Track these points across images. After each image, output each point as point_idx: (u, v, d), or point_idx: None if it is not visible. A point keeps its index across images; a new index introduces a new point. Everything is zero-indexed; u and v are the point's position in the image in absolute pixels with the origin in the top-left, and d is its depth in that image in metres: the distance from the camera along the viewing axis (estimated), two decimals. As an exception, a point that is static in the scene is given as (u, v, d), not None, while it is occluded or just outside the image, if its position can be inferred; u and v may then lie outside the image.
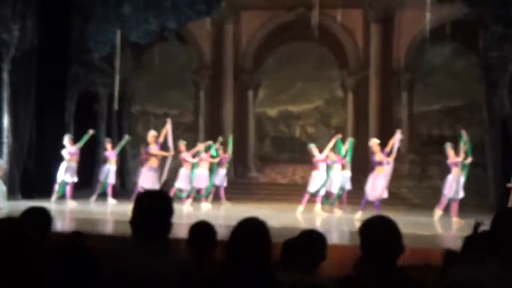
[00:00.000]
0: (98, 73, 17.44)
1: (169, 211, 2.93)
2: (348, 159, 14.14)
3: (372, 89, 18.45)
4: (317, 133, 19.23)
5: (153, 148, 13.84)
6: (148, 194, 3.10)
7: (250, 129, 19.38)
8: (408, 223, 11.32)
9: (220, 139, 15.72)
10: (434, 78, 18.04)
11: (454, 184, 12.50)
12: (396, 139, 12.88)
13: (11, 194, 13.98)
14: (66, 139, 14.79)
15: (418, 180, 17.73)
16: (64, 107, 16.72)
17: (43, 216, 4.04)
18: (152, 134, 14.11)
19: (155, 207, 2.90)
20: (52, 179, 14.79)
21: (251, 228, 2.98)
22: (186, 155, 14.57)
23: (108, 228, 10.97)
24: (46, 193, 14.76)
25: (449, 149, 12.85)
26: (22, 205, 12.23)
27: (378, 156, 12.72)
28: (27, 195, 14.75)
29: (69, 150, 14.63)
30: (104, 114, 17.70)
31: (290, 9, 18.73)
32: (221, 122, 19.05)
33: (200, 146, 15.17)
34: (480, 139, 16.23)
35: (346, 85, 18.91)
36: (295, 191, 16.21)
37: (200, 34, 19.01)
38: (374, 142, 12.94)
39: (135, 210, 2.92)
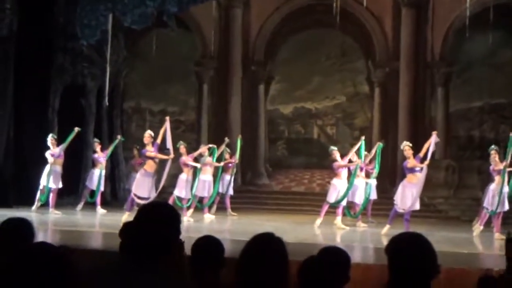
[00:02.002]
0: (86, 63, 17.49)
1: (177, 230, 2.89)
2: (376, 166, 14.11)
3: (402, 84, 18.44)
4: (338, 134, 19.25)
5: (150, 150, 13.82)
6: (153, 208, 3.04)
7: (260, 129, 19.40)
8: (443, 239, 11.33)
9: (227, 140, 15.73)
10: (474, 72, 18.02)
11: (497, 195, 12.45)
12: (432, 142, 12.82)
13: (-15, 201, 14.06)
14: (49, 140, 14.85)
15: (455, 190, 17.68)
16: (47, 102, 16.72)
17: (24, 228, 4.04)
18: (148, 134, 14.09)
19: (161, 224, 2.86)
20: (32, 185, 14.84)
21: (267, 246, 2.98)
22: (187, 159, 14.58)
23: (97, 242, 10.99)
24: (26, 201, 14.83)
25: (493, 154, 12.79)
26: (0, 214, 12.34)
27: (411, 162, 12.68)
28: (4, 203, 14.80)
29: (53, 152, 14.69)
30: (93, 111, 17.70)
31: (308, -10, 18.81)
32: (228, 121, 19.09)
33: (203, 149, 15.18)
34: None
35: (373, 79, 18.93)
36: (312, 201, 16.26)
37: (204, 20, 19.06)
38: (406, 146, 12.89)
39: (138, 226, 2.89)
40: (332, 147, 14.21)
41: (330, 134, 19.44)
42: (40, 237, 9.81)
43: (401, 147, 13.14)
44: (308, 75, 19.32)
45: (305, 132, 19.71)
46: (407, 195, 12.62)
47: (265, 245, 2.99)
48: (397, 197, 12.78)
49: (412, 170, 12.70)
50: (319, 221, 13.46)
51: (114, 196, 17.97)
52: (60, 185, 14.84)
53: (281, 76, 19.59)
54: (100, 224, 13.56)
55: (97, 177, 15.46)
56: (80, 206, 15.50)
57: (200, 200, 14.96)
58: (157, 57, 18.74)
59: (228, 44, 19.38)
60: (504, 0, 16.46)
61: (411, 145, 12.95)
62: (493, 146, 13.09)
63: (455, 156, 17.98)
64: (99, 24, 16.19)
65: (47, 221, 13.01)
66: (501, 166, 12.51)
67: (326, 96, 19.42)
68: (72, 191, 16.54)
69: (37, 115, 16.44)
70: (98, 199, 15.36)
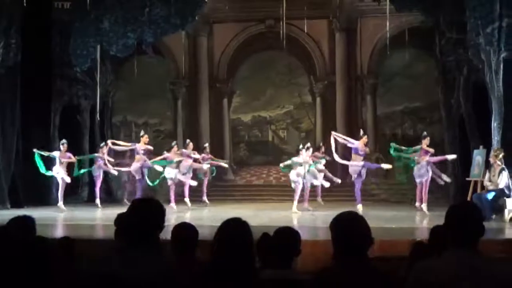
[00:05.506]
0: (80, 86, 17.29)
1: (162, 219, 2.91)
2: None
3: (338, 93, 18.56)
4: (289, 136, 19.29)
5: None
6: (144, 202, 3.05)
7: (226, 134, 19.33)
8: (376, 217, 11.40)
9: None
10: (395, 82, 18.21)
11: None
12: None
13: (0, 203, 13.79)
14: (62, 146, 14.72)
15: (384, 177, 17.84)
16: (49, 119, 16.52)
17: (28, 223, 4.16)
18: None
19: (151, 213, 2.87)
20: (39, 188, 14.63)
21: (236, 228, 2.99)
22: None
23: (98, 232, 10.86)
24: (33, 201, 14.60)
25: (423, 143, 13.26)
26: (11, 214, 12.09)
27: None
28: (16, 204, 14.56)
29: (63, 155, 14.59)
30: (87, 125, 17.48)
31: (260, 21, 18.79)
32: (199, 129, 19.00)
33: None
34: (440, 137, 16.48)
35: (314, 91, 18.99)
36: (269, 191, 16.29)
37: (176, 47, 18.92)
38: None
39: (132, 215, 2.88)
40: (300, 146, 14.19)
41: (282, 137, 19.47)
42: (59, 231, 9.69)
43: None
44: (262, 89, 19.32)
45: (262, 136, 19.68)
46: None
47: (234, 226, 3.00)
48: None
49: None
50: (295, 205, 13.49)
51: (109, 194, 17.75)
52: (69, 180, 14.58)
53: (241, 90, 19.55)
54: (98, 217, 13.39)
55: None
56: (97, 201, 15.30)
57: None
58: (138, 79, 18.54)
59: (196, 66, 19.30)
60: (416, 24, 16.70)
61: None
62: (425, 133, 13.66)
63: (383, 150, 18.12)
64: (90, 54, 16.05)
65: (57, 218, 12.77)
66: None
67: (278, 106, 19.44)
68: (73, 192, 16.39)
69: (41, 130, 16.23)
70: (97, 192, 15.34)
